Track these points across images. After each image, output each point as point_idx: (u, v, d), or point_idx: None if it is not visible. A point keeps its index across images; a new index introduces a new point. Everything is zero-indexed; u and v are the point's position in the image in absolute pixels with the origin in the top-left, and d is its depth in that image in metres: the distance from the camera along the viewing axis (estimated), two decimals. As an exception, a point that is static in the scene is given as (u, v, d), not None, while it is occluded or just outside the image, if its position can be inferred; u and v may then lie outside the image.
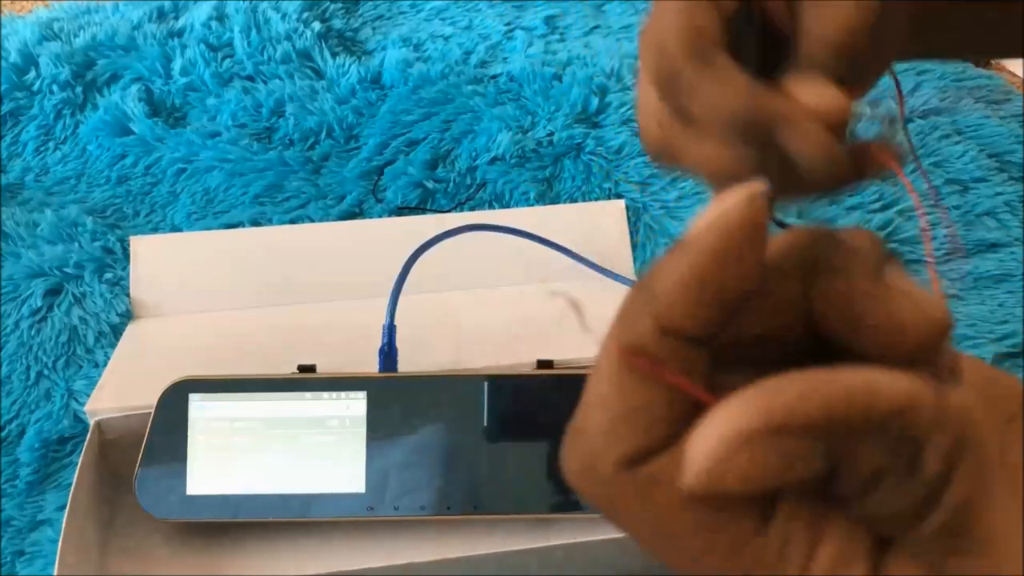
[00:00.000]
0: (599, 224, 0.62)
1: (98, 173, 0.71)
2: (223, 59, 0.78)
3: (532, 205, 0.67)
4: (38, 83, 0.76)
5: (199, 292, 0.58)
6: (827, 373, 0.15)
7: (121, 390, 0.49)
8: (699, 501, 0.15)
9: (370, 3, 0.88)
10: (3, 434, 0.54)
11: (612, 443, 0.16)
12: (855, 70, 0.23)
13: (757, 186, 0.15)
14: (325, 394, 0.46)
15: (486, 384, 0.46)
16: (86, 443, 0.46)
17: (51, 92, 0.75)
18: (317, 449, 0.46)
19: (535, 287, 0.59)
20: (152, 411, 0.46)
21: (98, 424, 0.47)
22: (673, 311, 0.15)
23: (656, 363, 0.15)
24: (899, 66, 0.28)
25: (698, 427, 0.15)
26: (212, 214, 0.68)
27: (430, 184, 0.69)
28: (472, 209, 0.67)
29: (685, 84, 0.23)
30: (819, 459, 0.15)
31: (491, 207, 0.68)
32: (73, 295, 0.60)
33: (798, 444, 0.14)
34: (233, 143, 0.71)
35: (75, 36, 0.79)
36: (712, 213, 0.15)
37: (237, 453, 0.46)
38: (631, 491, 0.16)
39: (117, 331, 0.58)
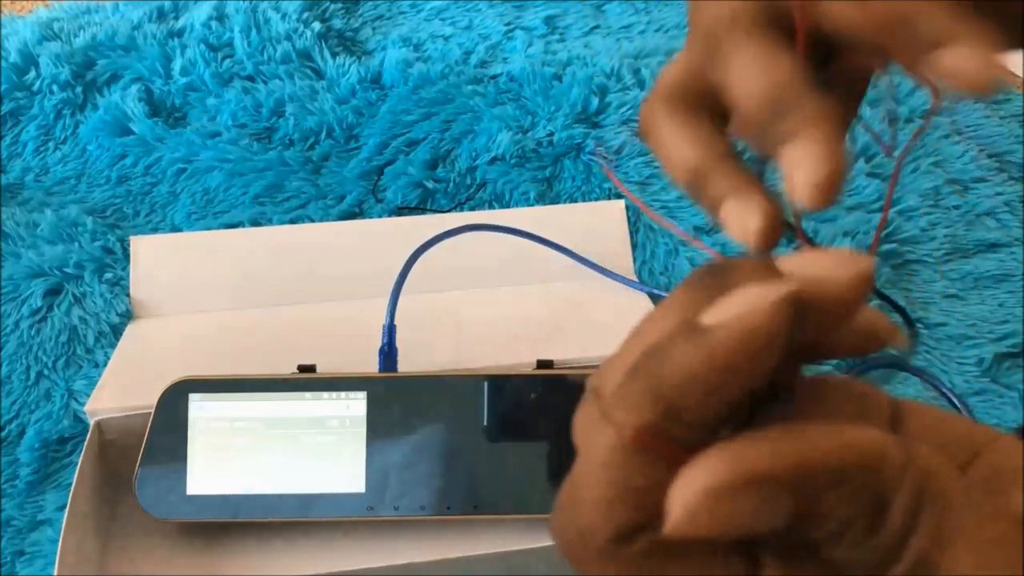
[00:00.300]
0: (599, 224, 0.62)
1: (98, 173, 0.71)
2: (223, 59, 0.78)
3: (532, 205, 0.67)
4: (38, 83, 0.76)
5: (199, 292, 0.58)
6: (799, 430, 0.16)
7: (121, 390, 0.49)
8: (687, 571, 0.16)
9: (370, 3, 0.88)
10: (3, 434, 0.54)
11: (609, 518, 0.16)
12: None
13: (786, 289, 0.15)
14: (325, 394, 0.46)
15: (486, 384, 0.46)
16: (86, 443, 0.46)
17: (51, 92, 0.75)
18: (317, 449, 0.46)
19: (535, 287, 0.59)
20: (152, 411, 0.46)
21: (98, 424, 0.47)
22: (686, 401, 0.15)
23: (666, 444, 0.16)
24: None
25: (678, 479, 0.15)
26: (212, 214, 0.68)
27: (430, 184, 0.69)
28: (472, 209, 0.67)
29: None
30: (788, 510, 0.15)
31: (491, 207, 0.68)
32: (73, 295, 0.60)
33: (768, 496, 0.15)
34: (233, 143, 0.72)
35: (75, 36, 0.79)
36: (737, 308, 0.15)
37: (237, 453, 0.46)
38: (625, 564, 0.16)
39: (117, 331, 0.58)
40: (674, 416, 0.15)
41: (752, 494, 0.15)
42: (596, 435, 0.16)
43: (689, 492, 0.15)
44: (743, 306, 0.15)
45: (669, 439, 0.16)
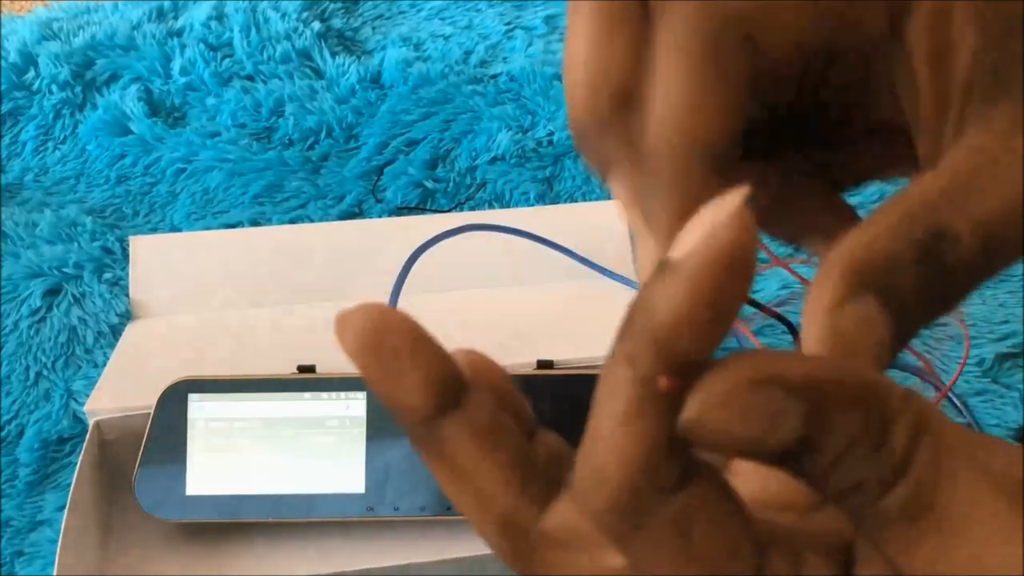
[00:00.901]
0: (599, 224, 0.62)
1: (97, 173, 0.71)
2: (222, 59, 0.78)
3: (532, 205, 0.67)
4: (37, 83, 0.75)
5: (199, 292, 0.58)
6: (806, 354, 0.16)
7: (120, 390, 0.49)
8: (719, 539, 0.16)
9: (370, 2, 0.88)
10: (2, 434, 0.54)
11: (644, 472, 0.16)
12: None
13: (740, 197, 0.15)
14: (325, 394, 0.46)
15: (486, 384, 0.46)
16: (85, 443, 0.46)
17: (50, 92, 0.75)
18: (317, 449, 0.46)
19: (535, 287, 0.59)
20: (151, 411, 0.46)
21: (97, 424, 0.47)
22: (685, 339, 0.15)
23: (677, 387, 0.16)
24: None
25: (697, 383, 0.15)
26: (211, 214, 0.68)
27: (430, 184, 0.69)
28: (472, 209, 0.67)
29: None
30: (800, 424, 0.15)
31: (491, 207, 0.68)
32: (72, 295, 0.60)
33: (784, 402, 0.15)
34: (232, 143, 0.71)
35: (74, 36, 0.79)
36: (698, 232, 0.15)
37: (236, 453, 0.45)
38: (666, 524, 0.16)
39: (116, 331, 0.58)
40: (677, 357, 0.15)
41: (769, 396, 0.15)
42: (606, 391, 0.16)
43: (706, 388, 0.15)
44: (704, 227, 0.15)
45: (678, 383, 0.16)
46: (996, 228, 0.18)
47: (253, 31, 0.80)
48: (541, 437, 0.20)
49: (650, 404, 0.16)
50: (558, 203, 0.68)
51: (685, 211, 0.19)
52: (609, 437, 0.16)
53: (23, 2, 0.91)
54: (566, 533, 0.18)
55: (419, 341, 0.17)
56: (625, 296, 0.60)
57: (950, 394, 0.56)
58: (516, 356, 0.50)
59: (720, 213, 0.15)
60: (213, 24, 0.80)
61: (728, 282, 0.15)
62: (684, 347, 0.15)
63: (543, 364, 0.48)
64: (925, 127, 0.20)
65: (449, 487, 0.18)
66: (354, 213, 0.68)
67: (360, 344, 0.17)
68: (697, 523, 0.16)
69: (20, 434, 0.54)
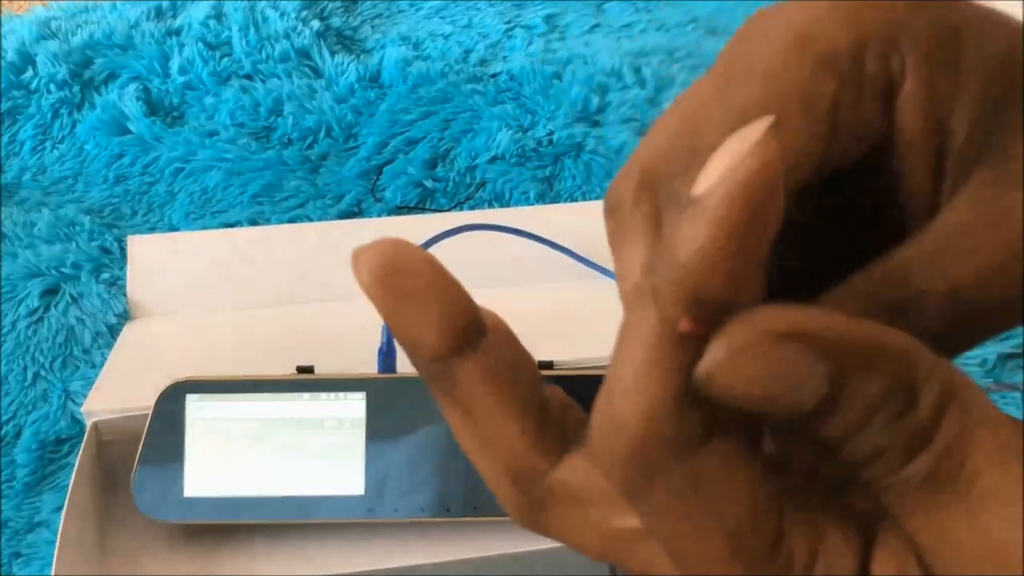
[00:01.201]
0: (599, 224, 0.62)
1: (95, 172, 0.71)
2: (221, 58, 0.78)
3: (532, 205, 0.67)
4: (35, 82, 0.75)
5: (197, 292, 0.58)
6: (836, 313, 0.16)
7: (118, 391, 0.49)
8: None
9: (369, 1, 0.88)
10: (0, 435, 0.54)
11: (662, 421, 0.15)
12: None
13: (764, 125, 0.14)
14: (324, 395, 0.46)
15: (486, 385, 0.46)
16: (83, 444, 0.46)
17: (48, 91, 0.75)
18: (316, 450, 0.45)
19: (535, 287, 0.59)
20: (149, 412, 0.45)
21: (95, 425, 0.47)
22: (701, 279, 0.14)
23: (703, 333, 0.15)
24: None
25: (722, 328, 0.14)
26: (210, 214, 0.68)
27: (429, 183, 0.69)
28: (472, 209, 0.67)
29: None
30: (825, 382, 0.15)
31: (491, 207, 0.68)
32: (70, 295, 0.60)
33: (810, 359, 0.14)
34: (231, 142, 0.71)
35: (73, 35, 0.79)
36: (722, 165, 0.14)
37: (235, 454, 0.45)
38: (683, 483, 0.15)
39: (114, 331, 0.58)
40: (707, 301, 0.14)
41: (796, 351, 0.14)
42: (627, 334, 0.15)
43: (727, 338, 0.14)
44: (728, 159, 0.14)
45: (702, 329, 0.15)
46: (972, 292, 0.17)
47: (252, 30, 0.79)
48: (551, 390, 0.19)
49: (672, 349, 0.15)
50: (558, 203, 0.67)
51: None
52: (627, 382, 0.15)
53: (22, 1, 0.91)
54: (578, 488, 0.17)
55: (437, 277, 0.16)
56: (625, 296, 0.60)
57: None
58: (516, 356, 0.50)
59: (744, 143, 0.14)
60: (212, 23, 0.80)
61: (754, 214, 0.14)
62: (709, 286, 0.14)
63: (543, 364, 0.48)
64: (922, 203, 0.19)
65: (461, 432, 0.18)
66: (353, 212, 0.68)
67: (374, 277, 0.16)
68: (716, 485, 0.15)
69: (18, 435, 0.54)
